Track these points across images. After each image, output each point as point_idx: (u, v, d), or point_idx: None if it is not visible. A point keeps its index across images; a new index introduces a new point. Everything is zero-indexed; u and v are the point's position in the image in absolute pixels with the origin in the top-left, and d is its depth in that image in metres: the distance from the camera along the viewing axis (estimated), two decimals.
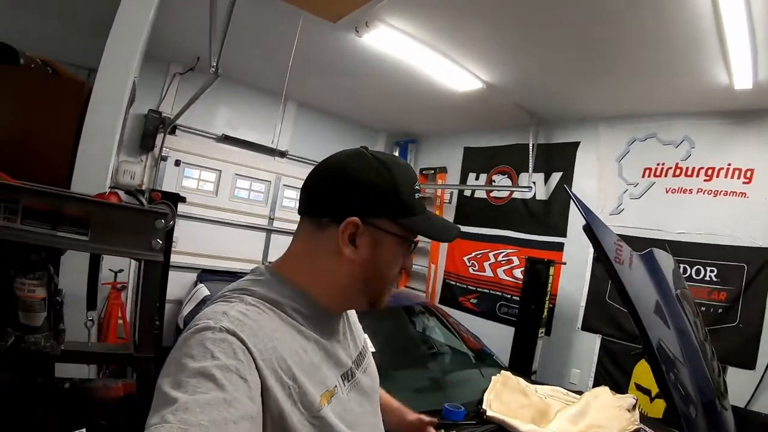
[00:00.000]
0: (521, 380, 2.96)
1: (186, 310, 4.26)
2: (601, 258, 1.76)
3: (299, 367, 0.78)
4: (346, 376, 0.90)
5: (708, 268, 3.98)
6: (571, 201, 1.92)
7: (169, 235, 3.80)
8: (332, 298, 0.90)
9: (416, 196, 0.89)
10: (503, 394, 2.75)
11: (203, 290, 4.37)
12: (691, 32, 2.99)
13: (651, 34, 3.11)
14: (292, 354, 0.78)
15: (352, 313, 1.08)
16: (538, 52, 3.71)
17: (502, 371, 3.03)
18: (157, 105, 4.88)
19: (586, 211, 1.81)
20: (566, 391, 3.02)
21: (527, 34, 3.44)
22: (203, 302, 4.12)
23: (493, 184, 5.92)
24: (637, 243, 4.22)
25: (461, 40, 3.67)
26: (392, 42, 3.78)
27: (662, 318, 1.95)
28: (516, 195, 5.63)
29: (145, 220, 1.62)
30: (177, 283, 4.86)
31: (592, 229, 1.73)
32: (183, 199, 4.23)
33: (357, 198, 0.85)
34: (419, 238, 0.92)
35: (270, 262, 0.93)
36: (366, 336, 1.12)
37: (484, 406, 2.52)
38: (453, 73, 4.19)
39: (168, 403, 0.61)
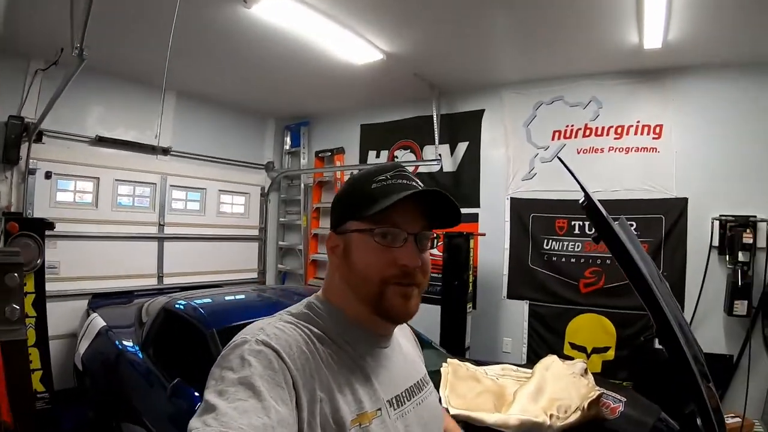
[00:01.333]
0: (469, 365, 3.17)
1: (82, 346, 4.13)
2: (607, 239, 1.77)
3: (333, 382, 0.88)
4: (393, 403, 0.98)
5: (628, 223, 4.61)
6: (566, 169, 1.91)
7: (39, 276, 3.71)
8: (354, 312, 1.00)
9: (374, 186, 0.97)
10: (457, 386, 2.92)
11: (97, 320, 4.25)
12: None
13: None
14: (327, 368, 0.89)
15: (407, 344, 1.19)
16: (438, 17, 3.86)
17: (449, 360, 3.20)
18: (18, 110, 4.59)
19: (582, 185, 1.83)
20: (515, 367, 3.26)
21: None
22: (99, 334, 4.03)
23: (396, 160, 6.18)
24: (556, 205, 4.80)
25: (360, 6, 3.73)
26: (284, 11, 3.72)
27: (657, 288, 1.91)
28: (422, 169, 5.92)
29: None
30: (67, 315, 4.78)
31: (597, 206, 1.76)
32: (51, 226, 4.00)
33: (334, 213, 1.04)
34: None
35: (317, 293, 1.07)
36: (425, 372, 1.19)
37: (444, 405, 2.64)
38: (351, 43, 4.27)
39: (209, 410, 0.72)
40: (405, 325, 1.22)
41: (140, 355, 3.55)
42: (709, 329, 4.24)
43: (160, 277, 5.81)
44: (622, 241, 1.75)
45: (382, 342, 1.06)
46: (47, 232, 4.29)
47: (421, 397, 1.09)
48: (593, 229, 1.86)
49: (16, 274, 1.26)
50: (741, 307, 4.04)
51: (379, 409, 0.93)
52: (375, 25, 4.08)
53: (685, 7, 3.38)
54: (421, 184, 1.01)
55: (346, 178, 6.42)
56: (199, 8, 3.73)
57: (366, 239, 0.97)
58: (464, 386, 2.96)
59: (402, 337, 1.18)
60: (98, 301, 4.95)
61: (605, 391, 2.87)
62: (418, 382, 1.12)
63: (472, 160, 5.62)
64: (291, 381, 0.81)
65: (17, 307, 1.26)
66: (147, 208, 5.83)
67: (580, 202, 1.82)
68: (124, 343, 3.77)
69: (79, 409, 4.18)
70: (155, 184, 5.86)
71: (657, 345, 4.11)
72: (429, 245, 1.03)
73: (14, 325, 1.27)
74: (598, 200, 1.81)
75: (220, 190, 6.58)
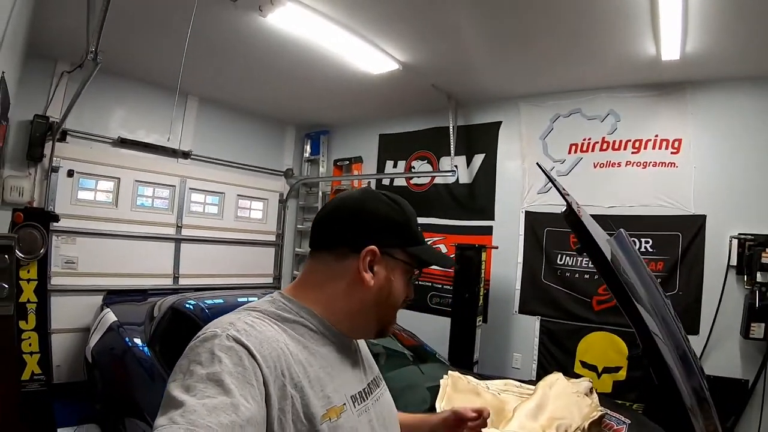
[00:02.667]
0: (471, 378, 3.14)
1: (93, 340, 4.21)
2: (588, 251, 1.78)
3: (304, 378, 0.89)
4: (356, 399, 1.02)
5: (643, 240, 4.44)
6: (547, 177, 1.88)
7: (42, 264, 3.86)
8: (344, 322, 1.04)
9: (419, 229, 1.11)
10: (455, 399, 2.87)
11: (110, 316, 4.32)
12: (619, 2, 3.28)
13: (576, 6, 3.39)
14: (297, 365, 0.90)
15: (363, 346, 1.21)
16: (456, 29, 3.88)
17: (450, 372, 3.17)
18: (44, 109, 4.74)
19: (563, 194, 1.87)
20: (519, 383, 3.21)
21: (444, 9, 3.59)
22: (110, 330, 4.12)
23: (413, 170, 6.24)
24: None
25: (375, 17, 3.78)
26: (300, 21, 3.78)
27: (652, 308, 1.95)
28: (438, 180, 5.97)
29: None
30: (82, 310, 4.89)
31: (579, 218, 1.77)
32: (56, 218, 4.10)
33: (375, 229, 1.03)
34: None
35: (281, 291, 1.08)
36: (378, 370, 1.24)
37: None
38: (367, 54, 4.32)
39: (176, 406, 0.71)
40: None
41: (147, 352, 3.61)
42: (724, 352, 4.13)
43: (175, 278, 5.91)
44: (605, 254, 1.75)
45: (348, 343, 1.10)
46: (65, 228, 4.43)
47: (378, 393, 1.14)
48: (578, 241, 1.90)
49: (6, 256, 1.31)
50: (758, 330, 3.91)
51: (344, 404, 0.96)
52: (391, 36, 4.12)
53: (702, 18, 3.35)
54: None
55: (363, 186, 6.58)
56: (215, 16, 3.83)
57: (407, 273, 1.08)
58: (463, 399, 2.92)
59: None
60: (113, 297, 5.04)
61: (609, 411, 2.85)
62: (374, 378, 1.17)
63: (487, 172, 5.62)
64: (261, 378, 0.82)
65: (6, 286, 1.33)
66: (166, 210, 5.95)
67: (562, 212, 1.84)
68: (134, 339, 3.84)
69: (78, 402, 4.34)
70: (175, 186, 5.98)
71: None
72: None
73: (3, 302, 1.31)
74: (583, 210, 1.82)
75: (238, 195, 6.68)
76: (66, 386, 4.60)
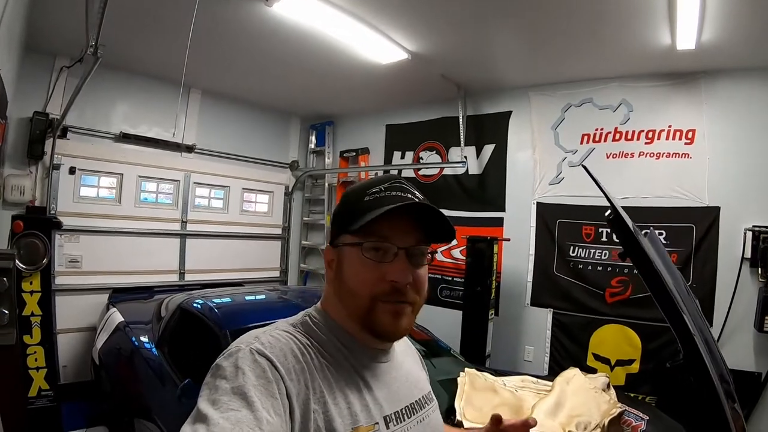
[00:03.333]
0: (488, 375, 3.11)
1: (100, 340, 4.19)
2: (633, 256, 1.71)
3: (328, 394, 0.88)
4: (391, 419, 0.96)
5: (657, 231, 4.25)
6: (592, 179, 1.74)
7: (45, 275, 3.81)
8: (348, 326, 1.00)
9: (366, 198, 0.96)
10: (474, 398, 2.86)
11: (116, 316, 4.31)
12: None
13: None
14: (322, 380, 0.88)
15: (410, 360, 1.18)
16: (467, 18, 3.81)
17: (467, 370, 3.15)
18: (44, 106, 4.68)
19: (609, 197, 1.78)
20: (535, 379, 3.19)
21: None
22: (117, 330, 4.09)
23: (421, 161, 6.18)
24: (583, 211, 4.70)
25: (384, 5, 3.71)
26: (306, 9, 3.71)
27: (685, 306, 1.85)
28: (447, 171, 5.92)
29: None
30: (87, 309, 4.88)
31: (624, 220, 1.68)
32: (58, 225, 4.05)
33: (330, 228, 1.06)
34: None
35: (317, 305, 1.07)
36: (430, 389, 1.18)
37: (458, 418, 2.62)
38: (375, 43, 4.25)
39: (201, 419, 0.72)
40: (407, 340, 1.21)
41: (155, 352, 3.59)
42: (738, 345, 4.09)
43: (181, 274, 5.88)
44: (651, 260, 1.68)
45: (381, 356, 1.04)
46: (68, 226, 4.40)
47: (423, 414, 1.08)
48: (620, 245, 1.79)
49: (5, 279, 1.23)
50: None
51: (376, 423, 0.92)
52: (400, 25, 4.05)
53: (720, 6, 3.27)
54: (420, 196, 0.99)
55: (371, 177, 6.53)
56: (219, 6, 3.74)
57: (356, 253, 0.96)
58: (481, 398, 2.91)
59: (405, 353, 1.17)
60: (118, 296, 5.02)
61: (627, 408, 2.82)
62: (419, 399, 1.10)
63: (498, 162, 5.56)
64: (285, 391, 0.81)
65: (6, 312, 1.24)
66: (170, 205, 5.91)
67: (606, 214, 1.76)
68: (141, 339, 3.82)
69: (85, 403, 4.33)
70: (179, 181, 5.94)
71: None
72: (424, 261, 1.00)
73: (3, 329, 1.23)
74: (624, 210, 1.76)
75: (243, 188, 6.64)
76: (73, 387, 4.58)
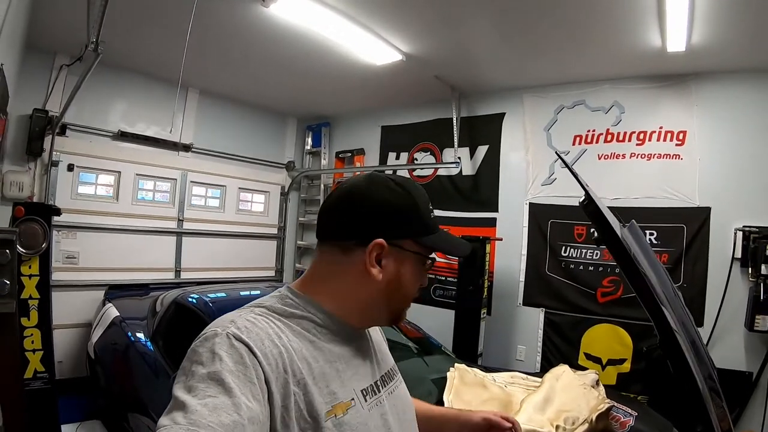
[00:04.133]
0: (477, 371, 3.13)
1: (95, 335, 4.22)
2: (609, 243, 1.73)
3: (308, 375, 0.88)
4: (367, 392, 1.00)
5: (648, 231, 4.41)
6: (564, 164, 1.97)
7: (44, 259, 3.88)
8: (353, 314, 1.02)
9: (432, 216, 1.05)
10: (463, 392, 2.88)
11: (112, 311, 4.33)
12: None
13: None
14: (300, 361, 0.88)
15: (376, 335, 1.20)
16: (460, 19, 3.86)
17: (456, 365, 3.16)
18: (43, 103, 4.70)
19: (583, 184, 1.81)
20: (525, 375, 3.21)
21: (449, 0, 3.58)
22: (113, 325, 4.13)
23: (416, 162, 6.23)
24: (575, 212, 4.66)
25: (379, 7, 3.75)
26: (302, 11, 3.75)
27: (666, 299, 1.90)
28: (441, 172, 5.97)
29: None
30: (83, 305, 4.90)
31: (599, 207, 1.71)
32: (57, 212, 4.12)
33: (381, 220, 0.99)
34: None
35: (289, 286, 1.05)
36: (394, 363, 1.22)
37: None
38: (370, 44, 4.29)
39: (178, 407, 0.72)
40: None
41: (150, 346, 3.61)
42: (729, 345, 4.13)
43: (177, 272, 5.91)
44: (626, 247, 1.71)
45: (358, 336, 1.08)
46: (66, 222, 4.44)
47: (393, 386, 1.12)
48: (596, 231, 1.83)
49: (7, 251, 1.29)
50: (762, 322, 3.91)
51: (352, 399, 0.95)
52: (394, 26, 4.09)
53: (708, 9, 3.33)
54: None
55: (370, 172, 6.57)
56: (217, 6, 3.80)
57: (420, 264, 1.04)
58: (470, 392, 2.93)
59: (371, 329, 1.18)
60: (114, 292, 5.03)
61: (616, 404, 2.85)
62: (389, 371, 1.15)
63: (491, 163, 5.61)
64: (263, 376, 0.81)
65: (7, 282, 1.31)
66: (167, 203, 5.94)
67: (580, 201, 1.79)
68: (137, 334, 3.84)
69: (81, 398, 4.36)
70: (176, 180, 5.97)
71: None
72: None
73: (4, 299, 1.29)
74: (601, 201, 1.79)
75: (240, 188, 6.68)
76: (69, 382, 4.58)
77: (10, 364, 1.58)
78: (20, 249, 3.42)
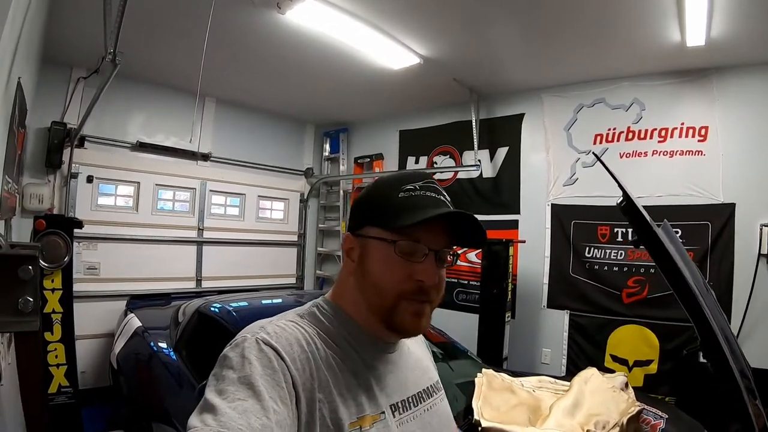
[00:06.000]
0: (505, 376, 3.09)
1: (118, 346, 4.24)
2: (648, 244, 1.70)
3: (334, 383, 0.88)
4: (397, 407, 0.98)
5: (672, 230, 4.51)
6: (602, 165, 1.92)
7: (66, 273, 3.92)
8: (365, 318, 0.99)
9: (401, 195, 0.95)
10: (491, 398, 2.83)
11: (134, 321, 4.35)
12: None
13: None
14: (327, 369, 0.89)
15: (417, 349, 1.18)
16: (478, 21, 3.84)
17: (484, 370, 3.13)
18: (61, 116, 4.76)
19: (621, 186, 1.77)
20: (553, 379, 3.17)
21: (466, 1, 3.56)
22: (135, 335, 4.14)
23: (435, 166, 6.21)
24: (598, 211, 4.69)
25: (395, 10, 3.75)
26: (319, 17, 3.76)
27: (703, 298, 1.84)
28: (461, 175, 5.94)
29: (2, 271, 1.30)
30: (105, 315, 4.94)
31: (637, 207, 1.67)
32: (79, 224, 4.13)
33: (352, 216, 1.04)
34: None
35: (324, 295, 1.07)
36: (437, 379, 1.19)
37: (476, 417, 2.59)
38: (387, 48, 4.29)
39: (209, 409, 0.73)
40: None
41: (173, 356, 3.61)
42: (757, 342, 4.02)
43: (198, 281, 5.95)
44: (665, 247, 1.68)
45: (389, 348, 1.05)
46: (86, 234, 4.50)
47: (431, 403, 1.09)
48: (633, 234, 1.79)
49: (30, 267, 1.28)
50: None
51: (382, 413, 0.94)
52: (411, 30, 4.09)
53: (728, 2, 3.28)
54: (448, 198, 1.00)
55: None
56: (233, 15, 3.82)
57: (386, 249, 0.95)
58: (498, 398, 2.90)
59: (414, 342, 1.17)
60: (136, 302, 5.07)
61: (646, 406, 2.81)
62: (427, 388, 1.11)
63: (512, 165, 5.58)
64: (291, 380, 0.82)
65: (30, 299, 1.28)
66: (187, 213, 5.98)
67: (618, 202, 1.76)
68: (159, 344, 3.85)
69: (104, 408, 4.39)
70: (195, 189, 6.01)
71: (702, 359, 4.02)
72: (446, 263, 1.00)
73: (27, 317, 1.28)
74: (638, 201, 1.75)
75: (259, 196, 6.71)
76: (91, 392, 4.64)
77: (33, 382, 1.57)
78: (42, 263, 3.45)
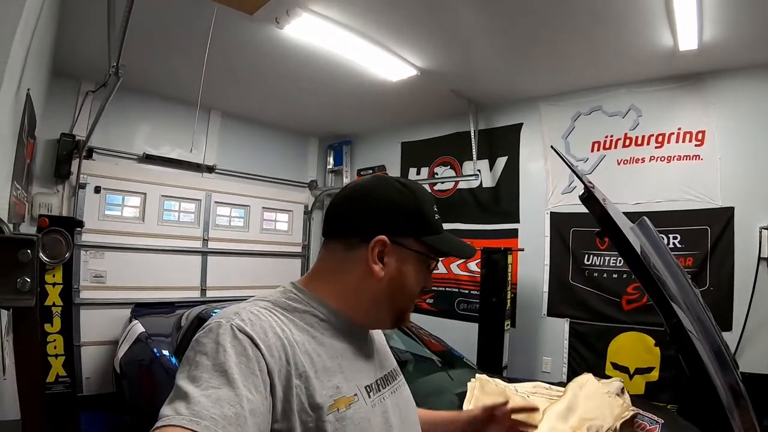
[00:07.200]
0: (499, 381, 3.08)
1: (121, 351, 4.29)
2: (610, 235, 1.72)
3: (310, 368, 0.89)
4: (371, 388, 1.01)
5: (671, 235, 4.35)
6: (561, 158, 1.97)
7: (67, 268, 4.04)
8: (357, 313, 1.03)
9: (436, 217, 1.05)
10: (483, 401, 2.65)
11: (137, 327, 4.39)
12: None
13: (588, 2, 3.39)
14: (302, 354, 0.89)
15: (378, 335, 1.21)
16: (471, 32, 3.90)
17: (477, 375, 3.12)
18: (70, 128, 4.89)
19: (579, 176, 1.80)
20: (548, 385, 3.14)
21: (459, 13, 3.60)
22: (138, 341, 4.20)
23: (436, 176, 6.27)
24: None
25: (390, 23, 3.82)
26: (317, 31, 3.85)
27: (683, 301, 1.86)
28: (461, 185, 5.99)
29: (3, 253, 1.41)
30: (110, 322, 5.00)
31: (597, 200, 1.68)
32: (80, 224, 4.24)
33: (384, 218, 1.00)
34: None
35: (294, 282, 1.07)
36: (396, 364, 1.23)
37: None
38: (384, 60, 4.37)
39: (182, 397, 0.73)
40: None
41: (174, 361, 3.66)
42: (759, 348, 3.98)
43: (202, 290, 6.01)
44: (621, 230, 1.68)
45: (361, 334, 1.09)
46: (93, 242, 4.62)
47: (395, 385, 1.13)
48: (597, 224, 1.78)
49: (28, 251, 1.39)
50: None
51: (356, 395, 0.95)
52: (407, 42, 4.16)
53: (718, 4, 3.31)
54: None
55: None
56: (233, 30, 3.93)
57: (422, 262, 1.05)
58: (490, 402, 2.90)
59: (373, 330, 1.19)
60: (141, 309, 5.13)
61: (641, 411, 2.79)
62: (391, 371, 1.16)
63: (511, 174, 5.61)
64: (265, 368, 0.82)
65: (28, 280, 1.38)
66: (192, 224, 6.07)
67: (580, 195, 1.76)
68: (162, 350, 3.91)
69: (107, 414, 4.45)
70: (200, 200, 6.11)
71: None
72: None
73: (25, 295, 1.39)
74: (601, 192, 1.77)
75: (263, 208, 6.80)
76: (96, 398, 4.71)
77: (31, 358, 1.64)
78: (44, 258, 3.60)
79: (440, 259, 1.10)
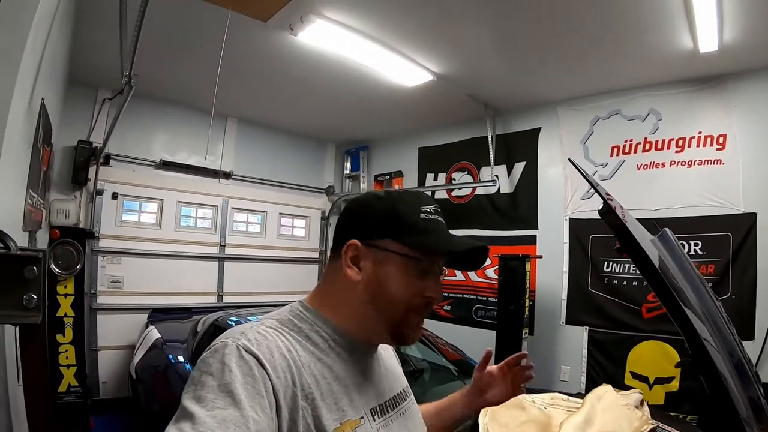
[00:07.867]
0: None
1: (138, 356, 4.31)
2: (629, 251, 1.68)
3: (316, 390, 0.88)
4: (376, 411, 1.00)
5: (692, 242, 4.26)
6: (579, 172, 1.75)
7: (79, 279, 4.07)
8: (353, 326, 1.01)
9: (422, 216, 1.01)
10: (499, 414, 2.69)
11: (154, 333, 4.42)
12: None
13: (606, 5, 3.36)
14: (309, 376, 0.89)
15: (386, 353, 1.20)
16: (488, 37, 3.89)
17: None
18: (88, 135, 4.94)
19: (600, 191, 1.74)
20: (566, 396, 3.03)
21: (476, 17, 3.59)
22: (154, 347, 4.23)
23: (453, 182, 6.24)
24: None
25: (405, 29, 3.81)
26: (331, 37, 3.84)
27: (702, 312, 1.78)
28: (479, 191, 5.94)
29: (9, 270, 1.41)
30: (127, 327, 5.04)
31: (616, 215, 1.64)
32: (91, 234, 4.33)
33: (357, 222, 1.02)
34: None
35: (301, 300, 1.07)
36: (407, 384, 1.21)
37: None
38: (400, 66, 4.35)
39: (187, 417, 0.72)
40: None
41: (188, 367, 3.67)
42: None
43: (219, 296, 6.06)
44: (648, 255, 1.63)
45: (368, 353, 1.08)
46: (111, 248, 4.68)
47: (405, 406, 1.12)
48: (617, 239, 1.75)
49: (34, 267, 1.39)
50: None
51: (362, 417, 0.95)
52: (423, 47, 4.15)
53: (738, 5, 3.24)
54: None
55: (408, 189, 6.56)
56: (247, 37, 3.95)
57: (405, 265, 0.99)
58: (507, 414, 2.83)
59: (382, 349, 1.18)
60: (158, 315, 5.17)
61: (660, 425, 2.71)
62: (401, 392, 1.14)
63: (529, 180, 5.56)
64: (271, 389, 0.81)
65: (35, 297, 1.38)
66: (209, 230, 6.12)
67: (599, 210, 1.73)
68: (177, 356, 3.93)
69: (124, 418, 4.47)
70: (217, 206, 6.16)
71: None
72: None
73: (31, 312, 1.39)
74: (622, 208, 1.73)
75: (280, 213, 6.84)
76: (112, 402, 4.75)
77: (38, 374, 1.64)
78: (56, 269, 3.63)
79: (441, 262, 1.05)
